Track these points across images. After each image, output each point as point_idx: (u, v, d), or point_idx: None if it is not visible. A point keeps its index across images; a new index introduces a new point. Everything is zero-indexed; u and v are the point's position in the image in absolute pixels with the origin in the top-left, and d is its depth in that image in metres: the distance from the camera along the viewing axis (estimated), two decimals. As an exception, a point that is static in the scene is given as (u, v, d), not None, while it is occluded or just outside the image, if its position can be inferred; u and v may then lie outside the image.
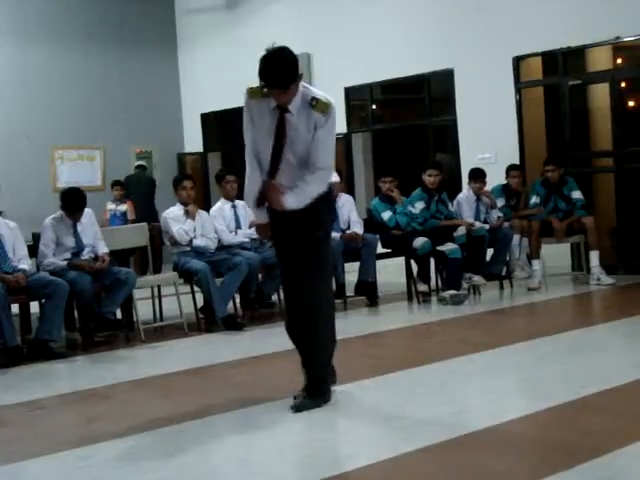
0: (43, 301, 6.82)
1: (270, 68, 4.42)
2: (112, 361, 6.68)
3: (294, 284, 4.71)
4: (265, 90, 4.49)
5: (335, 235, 8.57)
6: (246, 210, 8.42)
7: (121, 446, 4.20)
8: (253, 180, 4.64)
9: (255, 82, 4.62)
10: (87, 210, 7.33)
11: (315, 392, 4.75)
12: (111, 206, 12.19)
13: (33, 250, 7.21)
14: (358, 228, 8.68)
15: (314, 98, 4.50)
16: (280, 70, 4.41)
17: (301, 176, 4.55)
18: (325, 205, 4.70)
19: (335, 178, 4.81)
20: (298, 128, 4.49)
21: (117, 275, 7.10)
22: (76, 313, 7.51)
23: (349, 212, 8.84)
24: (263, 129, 4.57)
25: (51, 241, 7.13)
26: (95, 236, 7.35)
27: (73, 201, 7.20)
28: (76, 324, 7.62)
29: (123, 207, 12.11)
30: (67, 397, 5.46)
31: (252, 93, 4.61)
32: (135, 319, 7.41)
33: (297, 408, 4.64)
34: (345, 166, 12.28)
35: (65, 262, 7.06)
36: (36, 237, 7.33)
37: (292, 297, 4.79)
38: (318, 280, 4.68)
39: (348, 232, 8.61)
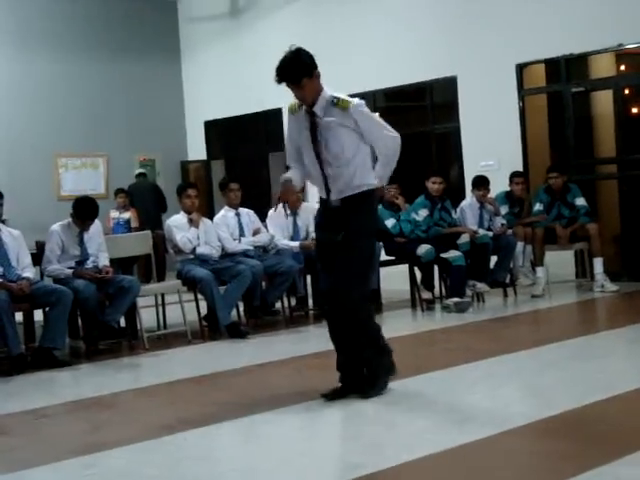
0: (47, 309, 6.81)
1: (282, 63, 4.80)
2: (116, 369, 6.68)
3: (332, 284, 4.89)
4: (300, 103, 4.86)
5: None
6: (250, 218, 8.43)
7: (125, 454, 4.20)
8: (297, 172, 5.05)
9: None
10: (95, 220, 7.34)
11: (370, 387, 4.94)
12: (114, 214, 12.20)
13: (37, 258, 7.21)
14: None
15: (335, 97, 4.83)
16: (291, 64, 4.78)
17: (349, 174, 4.81)
18: (371, 207, 5.00)
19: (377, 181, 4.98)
20: (329, 128, 4.77)
21: (121, 283, 7.10)
22: (80, 321, 7.52)
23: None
24: (304, 140, 4.91)
25: (57, 247, 7.13)
26: (99, 247, 7.35)
27: (87, 210, 7.20)
28: (80, 332, 7.62)
29: (127, 215, 12.12)
30: (71, 405, 5.46)
31: (291, 109, 4.99)
32: (139, 327, 7.41)
33: (365, 396, 4.86)
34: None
35: (70, 270, 7.06)
36: (40, 245, 7.33)
37: (329, 298, 4.96)
38: (354, 281, 4.85)
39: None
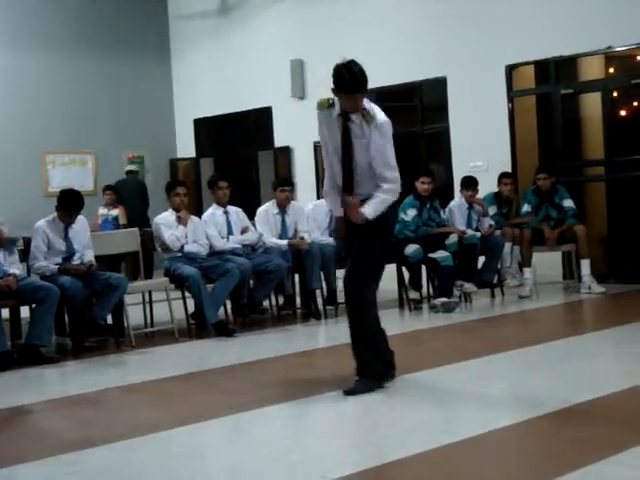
0: (34, 306, 6.79)
1: (352, 73, 4.88)
2: (102, 366, 6.66)
3: (344, 279, 5.15)
4: (331, 101, 5.01)
5: (330, 241, 8.59)
6: (238, 216, 8.43)
7: (111, 452, 4.19)
8: (330, 195, 5.25)
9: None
10: (80, 217, 7.31)
11: (366, 378, 5.08)
12: (102, 211, 12.15)
13: (24, 255, 7.19)
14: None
15: (364, 109, 4.96)
16: (359, 75, 4.88)
17: (372, 184, 5.02)
18: (392, 212, 5.21)
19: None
20: (359, 136, 4.97)
21: (108, 280, 7.08)
22: (67, 318, 7.49)
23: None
24: (332, 139, 5.07)
25: (43, 243, 7.10)
26: (86, 243, 7.32)
27: (72, 201, 7.18)
28: (66, 329, 7.60)
29: (115, 212, 12.08)
30: (57, 402, 5.44)
31: (322, 104, 5.09)
32: (126, 324, 7.39)
33: (348, 392, 4.97)
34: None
35: (56, 267, 7.04)
36: (27, 241, 7.30)
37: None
38: (364, 279, 5.08)
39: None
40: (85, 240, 7.34)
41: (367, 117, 4.97)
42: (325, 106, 5.07)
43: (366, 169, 5.04)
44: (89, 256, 7.29)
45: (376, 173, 5.02)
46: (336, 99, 5.01)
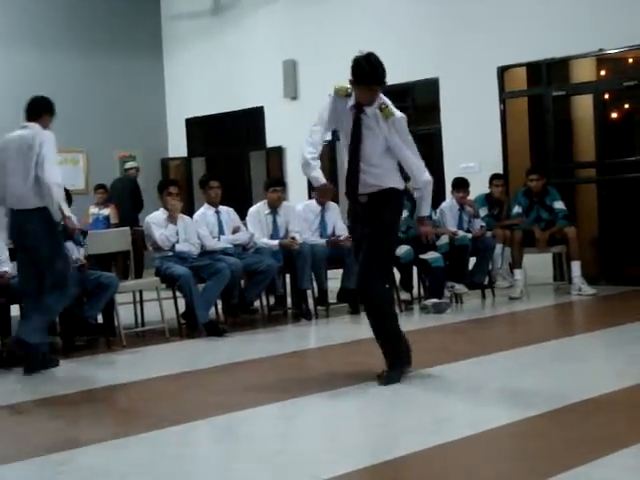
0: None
1: (372, 65, 5.08)
2: (93, 366, 6.64)
3: (357, 275, 5.28)
4: (349, 90, 5.13)
5: (321, 242, 8.59)
6: (229, 215, 8.42)
7: (100, 451, 4.18)
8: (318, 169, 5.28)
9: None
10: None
11: (391, 369, 5.24)
12: (94, 210, 12.12)
13: (14, 253, 7.15)
14: (343, 235, 8.69)
15: (383, 103, 5.12)
16: (380, 68, 5.09)
17: (379, 175, 5.17)
18: (395, 205, 5.33)
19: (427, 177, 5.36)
20: (371, 128, 5.10)
21: (99, 279, 7.06)
22: (57, 317, 7.46)
23: (335, 220, 8.85)
24: (344, 127, 5.20)
25: None
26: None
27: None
28: (57, 328, 7.57)
29: (106, 211, 12.06)
30: (46, 401, 5.42)
31: (339, 91, 5.21)
32: (117, 324, 7.37)
33: (385, 382, 5.13)
34: (329, 174, 12.28)
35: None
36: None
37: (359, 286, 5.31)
38: (377, 272, 5.20)
39: (333, 238, 8.61)
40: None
41: (385, 112, 5.10)
42: (342, 93, 5.18)
43: (375, 160, 5.14)
44: (77, 254, 7.25)
45: (407, 169, 5.26)
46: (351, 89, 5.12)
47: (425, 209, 5.40)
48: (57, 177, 6.08)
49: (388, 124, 5.11)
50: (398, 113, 5.19)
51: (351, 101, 5.14)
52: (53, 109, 6.48)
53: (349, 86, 5.15)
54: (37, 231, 6.10)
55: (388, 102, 5.19)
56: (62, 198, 6.13)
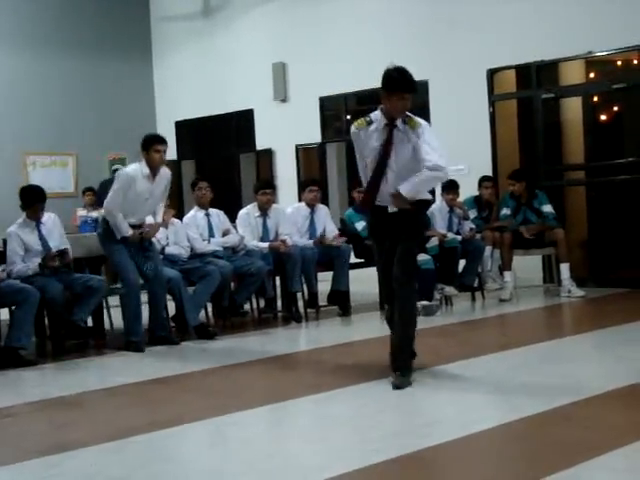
0: (13, 308, 6.75)
1: (401, 73, 5.37)
2: (82, 369, 6.63)
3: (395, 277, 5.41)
4: (369, 119, 5.42)
5: (310, 244, 8.60)
6: (219, 218, 8.42)
7: (90, 455, 4.17)
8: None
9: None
10: (51, 214, 7.30)
11: (404, 372, 5.32)
12: (82, 212, 12.03)
13: (3, 256, 7.15)
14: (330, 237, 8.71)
15: (407, 115, 5.38)
16: (408, 75, 5.37)
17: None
18: (424, 216, 5.78)
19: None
20: (402, 141, 5.35)
21: (88, 282, 7.04)
22: (47, 320, 7.45)
23: (324, 222, 8.86)
24: (372, 148, 5.39)
25: (19, 247, 7.06)
26: (61, 240, 7.28)
27: (31, 195, 7.18)
28: (46, 331, 7.55)
29: (94, 214, 11.98)
30: (36, 405, 5.41)
31: (359, 125, 5.45)
32: (110, 327, 7.35)
33: (397, 386, 5.19)
34: (319, 176, 12.30)
35: (35, 264, 6.97)
36: (6, 243, 7.25)
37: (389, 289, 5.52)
38: (411, 275, 5.46)
39: (319, 237, 8.61)
40: (59, 236, 7.30)
41: (411, 123, 5.35)
42: (363, 125, 5.43)
43: (405, 173, 5.34)
44: (65, 245, 7.24)
45: (422, 162, 5.32)
46: (373, 115, 5.41)
47: (408, 186, 5.32)
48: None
49: (417, 132, 5.34)
50: (423, 121, 5.45)
51: (380, 121, 5.38)
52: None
53: (367, 117, 5.43)
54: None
55: (409, 114, 5.42)
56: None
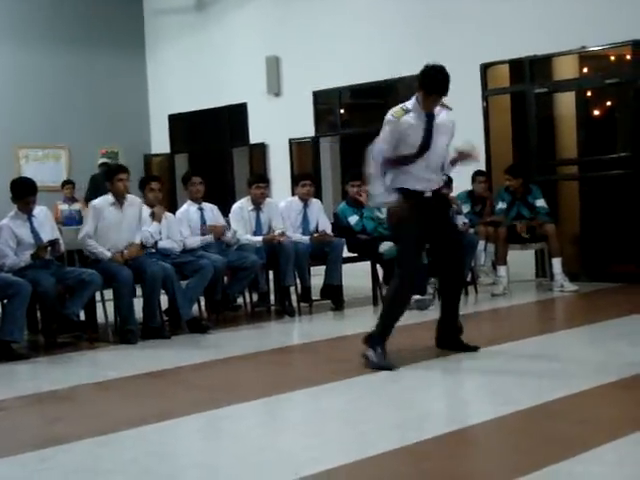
0: (5, 301, 6.73)
1: (446, 78, 5.63)
2: (75, 363, 6.62)
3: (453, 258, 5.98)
4: (405, 108, 5.64)
5: (304, 239, 8.59)
6: (213, 212, 8.40)
7: (82, 449, 4.17)
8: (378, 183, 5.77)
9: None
10: (43, 207, 7.29)
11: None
12: (63, 206, 11.96)
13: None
14: (327, 231, 8.71)
15: (443, 104, 5.71)
16: (448, 79, 5.64)
17: (441, 169, 5.84)
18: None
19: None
20: (440, 131, 5.65)
21: (81, 276, 7.03)
22: (39, 314, 7.44)
23: (317, 216, 8.86)
24: (416, 136, 5.61)
25: (11, 240, 7.04)
26: (52, 232, 7.26)
27: (22, 187, 7.15)
28: (39, 325, 7.54)
29: (76, 206, 11.91)
30: (28, 399, 5.40)
31: (399, 115, 5.64)
32: (105, 320, 7.32)
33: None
34: (313, 170, 12.30)
35: (27, 256, 6.96)
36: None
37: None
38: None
39: (317, 234, 8.62)
40: (51, 229, 7.28)
41: (446, 106, 5.76)
42: (401, 114, 5.62)
43: (441, 161, 5.75)
44: (56, 236, 7.23)
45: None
46: (408, 105, 5.63)
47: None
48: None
49: (452, 121, 5.78)
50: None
51: (418, 112, 5.62)
52: None
53: (403, 106, 5.65)
54: None
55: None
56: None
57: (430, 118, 5.61)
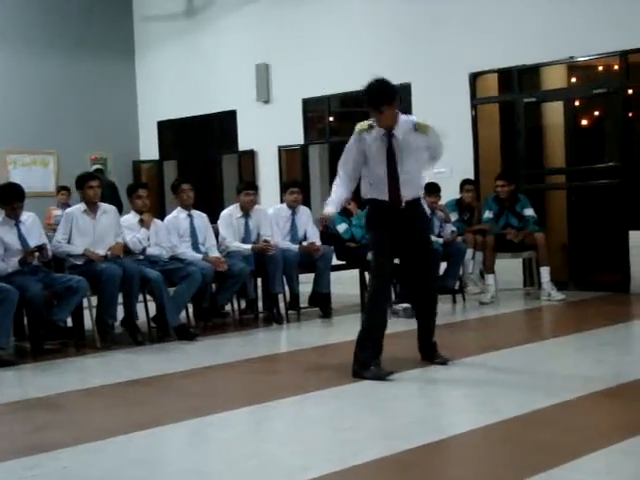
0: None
1: (369, 90, 5.56)
2: (62, 369, 6.59)
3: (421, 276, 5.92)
4: (371, 124, 5.57)
5: (292, 246, 8.59)
6: (202, 220, 8.37)
7: (69, 456, 4.15)
8: (340, 191, 5.81)
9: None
10: (31, 213, 7.27)
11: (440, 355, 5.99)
12: (57, 212, 11.94)
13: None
14: (315, 240, 8.70)
15: (416, 123, 5.60)
16: (376, 92, 5.52)
17: (417, 188, 5.79)
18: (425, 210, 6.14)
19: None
20: (405, 149, 5.54)
21: (68, 283, 7.01)
22: (26, 320, 7.40)
23: (306, 224, 8.86)
24: (375, 154, 5.58)
25: None
26: (40, 238, 7.23)
27: (9, 192, 7.14)
28: (26, 331, 7.51)
29: None
30: (15, 405, 5.38)
31: (361, 130, 5.63)
32: (92, 327, 7.30)
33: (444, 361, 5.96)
34: (302, 177, 12.30)
35: (15, 262, 6.94)
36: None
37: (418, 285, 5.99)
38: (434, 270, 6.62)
39: (306, 243, 8.62)
40: (38, 235, 7.25)
41: (422, 128, 5.59)
42: (365, 128, 5.59)
43: (408, 176, 5.61)
44: (44, 241, 7.22)
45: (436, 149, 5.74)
46: (373, 121, 5.56)
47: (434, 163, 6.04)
48: None
49: (428, 136, 5.61)
50: (429, 123, 5.66)
51: (381, 131, 5.54)
52: None
53: (369, 121, 5.58)
54: None
55: (415, 119, 5.67)
56: None
57: (389, 136, 5.55)
